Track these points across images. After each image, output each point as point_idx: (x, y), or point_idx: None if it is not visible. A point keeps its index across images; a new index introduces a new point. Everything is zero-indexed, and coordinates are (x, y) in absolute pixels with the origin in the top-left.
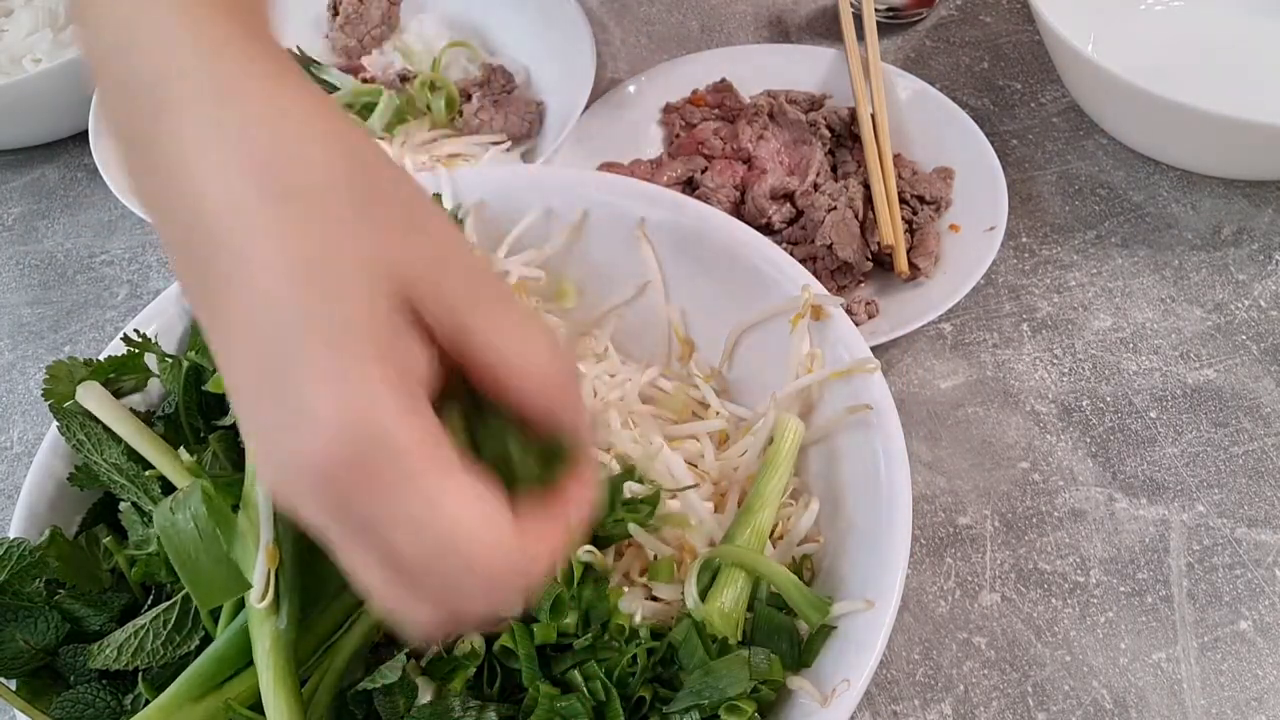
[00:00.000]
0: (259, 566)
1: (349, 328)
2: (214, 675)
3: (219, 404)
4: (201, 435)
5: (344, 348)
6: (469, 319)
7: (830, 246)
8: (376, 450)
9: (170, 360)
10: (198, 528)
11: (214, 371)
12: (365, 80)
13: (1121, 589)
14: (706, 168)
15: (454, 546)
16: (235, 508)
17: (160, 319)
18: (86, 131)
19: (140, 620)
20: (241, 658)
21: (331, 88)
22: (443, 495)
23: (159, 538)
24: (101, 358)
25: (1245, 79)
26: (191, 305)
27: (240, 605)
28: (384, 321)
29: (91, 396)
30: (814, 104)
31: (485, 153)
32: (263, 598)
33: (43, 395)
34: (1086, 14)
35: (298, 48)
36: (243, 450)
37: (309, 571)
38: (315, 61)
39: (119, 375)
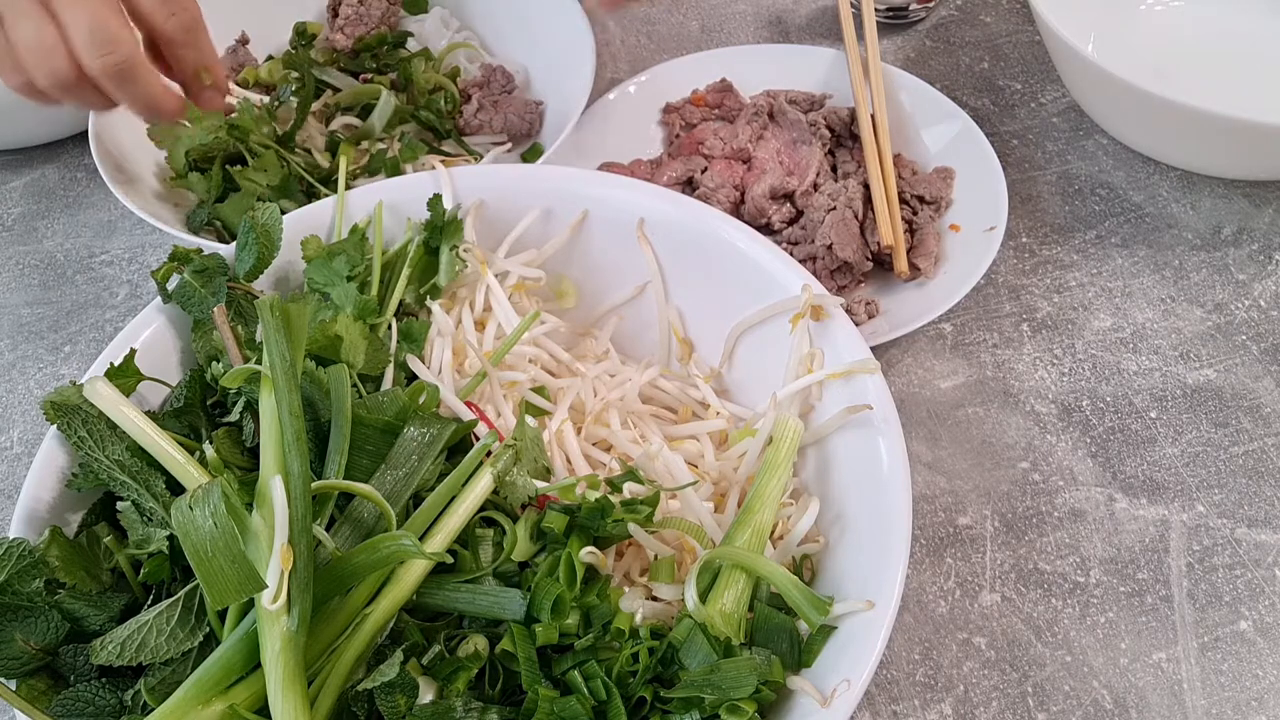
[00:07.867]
0: (273, 567)
1: None
2: (219, 680)
3: (222, 402)
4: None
5: None
6: None
7: (830, 246)
8: None
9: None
10: (217, 525)
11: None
12: (365, 80)
13: (1121, 589)
14: (706, 168)
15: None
16: (249, 506)
17: (150, 327)
18: (86, 131)
19: (144, 616)
20: (247, 663)
21: (332, 88)
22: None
23: (170, 535)
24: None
25: (1245, 79)
26: None
27: (247, 607)
28: None
29: (100, 394)
30: (814, 104)
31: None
32: (276, 598)
33: (46, 417)
34: (1086, 14)
35: (295, 48)
36: (247, 448)
37: (319, 574)
38: (315, 62)
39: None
